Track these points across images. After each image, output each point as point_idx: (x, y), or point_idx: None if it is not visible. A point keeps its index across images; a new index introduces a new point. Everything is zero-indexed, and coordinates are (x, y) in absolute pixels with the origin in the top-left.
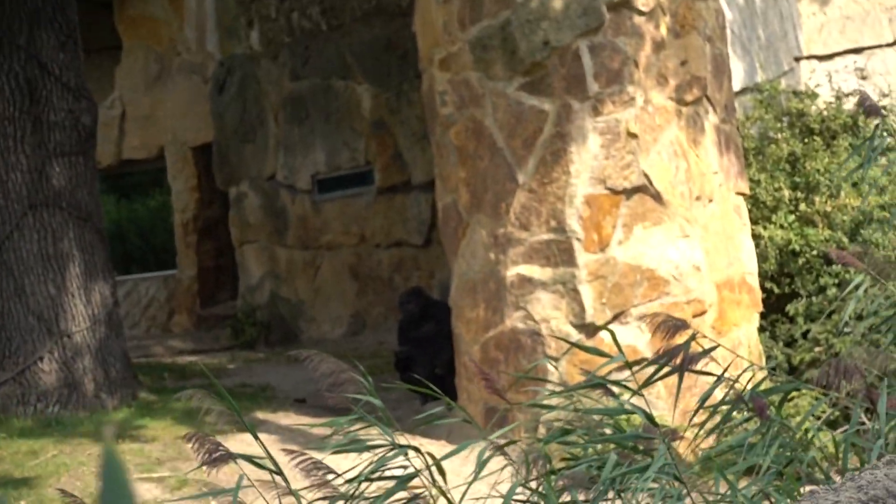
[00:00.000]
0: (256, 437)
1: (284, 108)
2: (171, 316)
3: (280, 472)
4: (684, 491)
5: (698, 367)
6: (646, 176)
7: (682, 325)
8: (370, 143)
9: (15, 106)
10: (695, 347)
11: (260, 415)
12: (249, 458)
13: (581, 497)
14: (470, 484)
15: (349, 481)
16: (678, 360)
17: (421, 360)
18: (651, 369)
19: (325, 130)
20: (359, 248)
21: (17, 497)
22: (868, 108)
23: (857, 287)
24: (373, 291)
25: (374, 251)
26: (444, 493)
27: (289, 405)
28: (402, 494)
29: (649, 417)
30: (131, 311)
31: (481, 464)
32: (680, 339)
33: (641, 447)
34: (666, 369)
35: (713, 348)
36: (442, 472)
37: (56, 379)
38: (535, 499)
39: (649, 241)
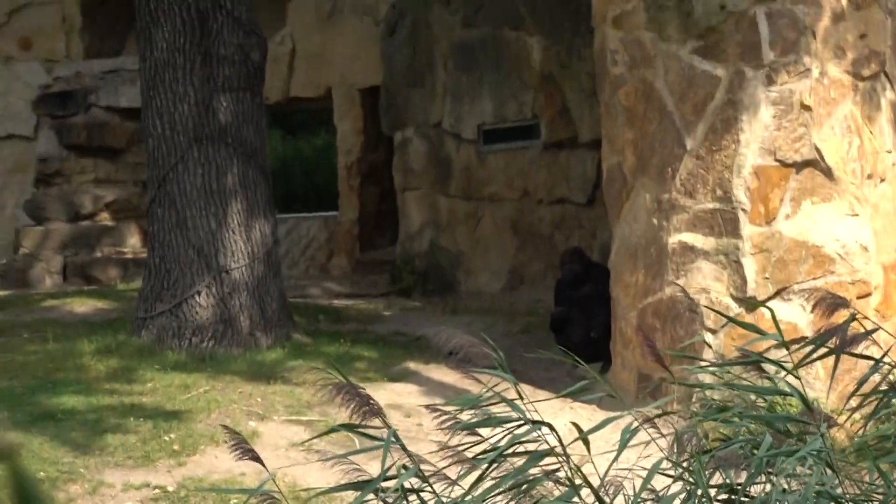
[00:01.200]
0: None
1: (454, 56)
2: (329, 257)
3: (400, 442)
4: (836, 480)
5: (859, 349)
6: (817, 150)
7: (842, 302)
8: (538, 96)
9: (185, 38)
10: (856, 328)
11: (411, 365)
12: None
13: (733, 478)
14: (616, 456)
15: (481, 453)
16: (837, 341)
17: (577, 321)
18: (809, 349)
19: (494, 80)
20: (521, 202)
21: (167, 430)
22: None
23: None
24: (532, 247)
25: (536, 207)
26: (578, 469)
27: (441, 358)
28: (545, 463)
29: (805, 401)
30: (291, 250)
31: (626, 436)
32: (840, 318)
33: (796, 430)
34: (823, 350)
35: (874, 330)
36: (586, 443)
37: (212, 314)
38: (685, 476)
39: (817, 217)
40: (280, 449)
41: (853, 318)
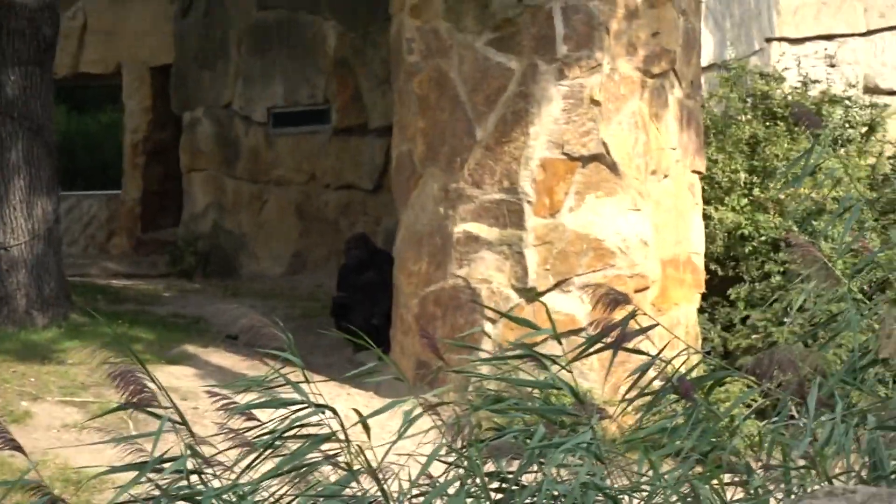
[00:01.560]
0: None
1: (248, 37)
2: (110, 237)
3: (185, 423)
4: (604, 472)
5: (633, 345)
6: (604, 145)
7: (623, 299)
8: (331, 81)
9: None
10: (633, 325)
11: (190, 348)
12: (152, 412)
13: (505, 467)
14: (394, 442)
15: (260, 436)
16: (613, 337)
17: (358, 308)
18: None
19: (287, 64)
20: (308, 186)
21: None
22: (805, 118)
23: (804, 279)
24: (317, 232)
25: (322, 191)
26: (361, 452)
27: (220, 341)
28: (324, 448)
29: (576, 395)
30: (71, 227)
31: (408, 422)
32: (620, 313)
33: (569, 421)
34: (599, 345)
35: (650, 327)
36: (367, 428)
37: None
38: (462, 463)
39: (600, 211)
40: (53, 430)
41: (633, 315)
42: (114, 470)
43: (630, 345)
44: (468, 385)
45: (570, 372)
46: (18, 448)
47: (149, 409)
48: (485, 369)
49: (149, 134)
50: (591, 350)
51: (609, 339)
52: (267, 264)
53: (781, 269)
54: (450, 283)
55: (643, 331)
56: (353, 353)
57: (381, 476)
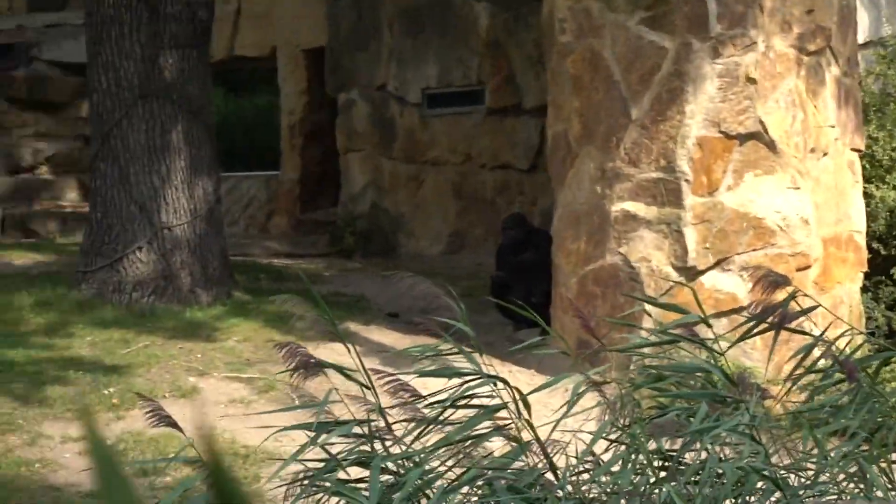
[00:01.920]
0: (350, 349)
1: (400, 19)
2: (270, 217)
3: (371, 387)
4: (771, 448)
5: (795, 325)
6: (761, 123)
7: (783, 280)
8: (484, 62)
9: None
10: (794, 305)
11: (352, 326)
12: (341, 370)
13: (667, 445)
14: (562, 417)
15: (433, 403)
16: (776, 318)
17: (518, 287)
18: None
19: (440, 45)
20: (464, 167)
21: (107, 384)
22: None
23: None
24: (474, 212)
25: (478, 172)
26: (531, 426)
27: (381, 319)
28: (486, 424)
29: (729, 378)
30: (231, 208)
31: (575, 397)
32: (780, 295)
33: (731, 400)
34: (762, 326)
35: (812, 308)
36: (527, 405)
37: (153, 270)
38: (625, 440)
39: (759, 190)
40: (220, 405)
41: (794, 296)
42: (285, 429)
43: (792, 325)
44: (629, 364)
45: (721, 355)
46: (174, 424)
47: (323, 369)
48: (646, 349)
49: (305, 116)
50: (755, 332)
51: (771, 320)
52: (425, 244)
53: None
54: (609, 262)
55: (805, 312)
56: (513, 331)
57: (550, 449)
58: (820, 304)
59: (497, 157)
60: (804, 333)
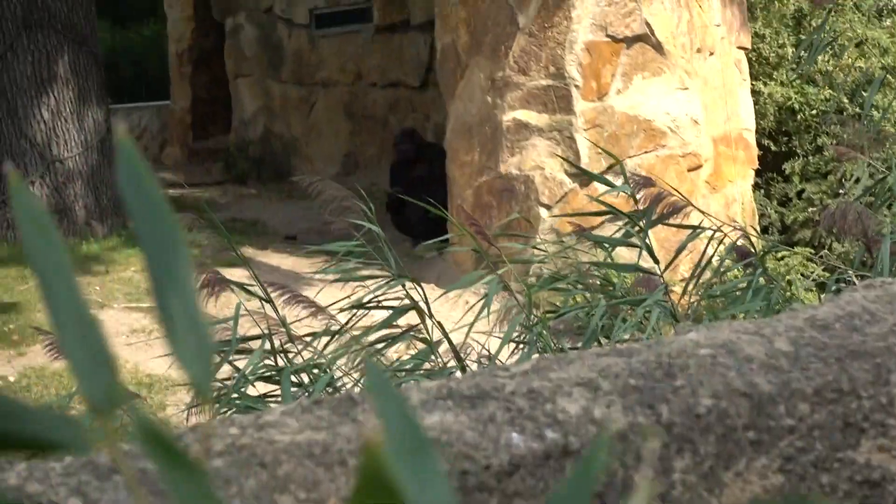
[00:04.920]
0: (251, 270)
1: None
2: (162, 147)
3: (270, 301)
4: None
5: (683, 219)
6: (647, 25)
7: (648, 182)
8: None
9: None
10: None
11: (249, 250)
12: (244, 287)
13: (569, 345)
14: (474, 321)
15: (344, 310)
16: (662, 211)
17: (413, 202)
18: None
19: None
20: (354, 86)
21: (6, 321)
22: None
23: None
24: (366, 131)
25: (369, 90)
26: (441, 327)
27: (279, 242)
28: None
29: (652, 254)
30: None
31: (490, 297)
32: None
33: (629, 297)
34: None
35: (686, 204)
36: (421, 312)
37: (46, 205)
38: (532, 338)
39: (648, 92)
40: (121, 335)
41: (664, 194)
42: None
43: (684, 220)
44: (527, 272)
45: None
46: None
47: (229, 286)
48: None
49: (193, 42)
50: (648, 223)
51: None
52: (319, 166)
53: (834, 141)
54: (503, 172)
55: (682, 207)
56: (412, 246)
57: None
58: (690, 203)
59: (387, 74)
60: (697, 228)
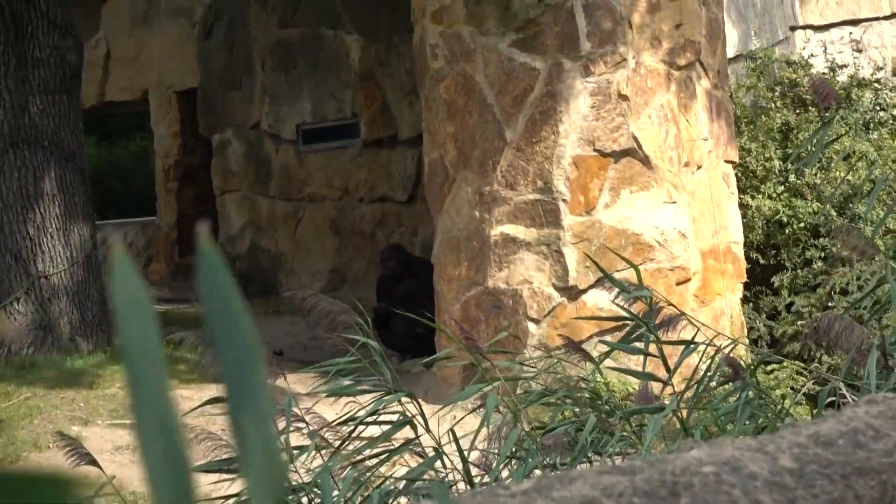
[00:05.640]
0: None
1: (272, 56)
2: (148, 263)
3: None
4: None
5: (677, 335)
6: (635, 139)
7: (645, 293)
8: (357, 94)
9: None
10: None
11: None
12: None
13: (559, 459)
14: (478, 431)
15: (343, 423)
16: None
17: (401, 317)
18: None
19: (313, 80)
20: (341, 201)
21: None
22: (824, 93)
23: (843, 263)
24: (354, 246)
25: (356, 206)
26: (437, 442)
27: (266, 357)
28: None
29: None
30: (108, 256)
31: (488, 411)
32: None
33: (618, 411)
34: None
35: (675, 318)
36: (414, 427)
37: (31, 321)
38: (521, 454)
39: (636, 206)
40: (105, 452)
41: (655, 305)
42: (208, 466)
43: (675, 336)
44: (516, 387)
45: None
46: (94, 462)
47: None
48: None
49: (180, 158)
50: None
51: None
52: (306, 281)
53: (822, 255)
54: (490, 286)
55: (678, 318)
56: (398, 361)
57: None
58: (683, 314)
59: (374, 189)
60: (688, 342)
